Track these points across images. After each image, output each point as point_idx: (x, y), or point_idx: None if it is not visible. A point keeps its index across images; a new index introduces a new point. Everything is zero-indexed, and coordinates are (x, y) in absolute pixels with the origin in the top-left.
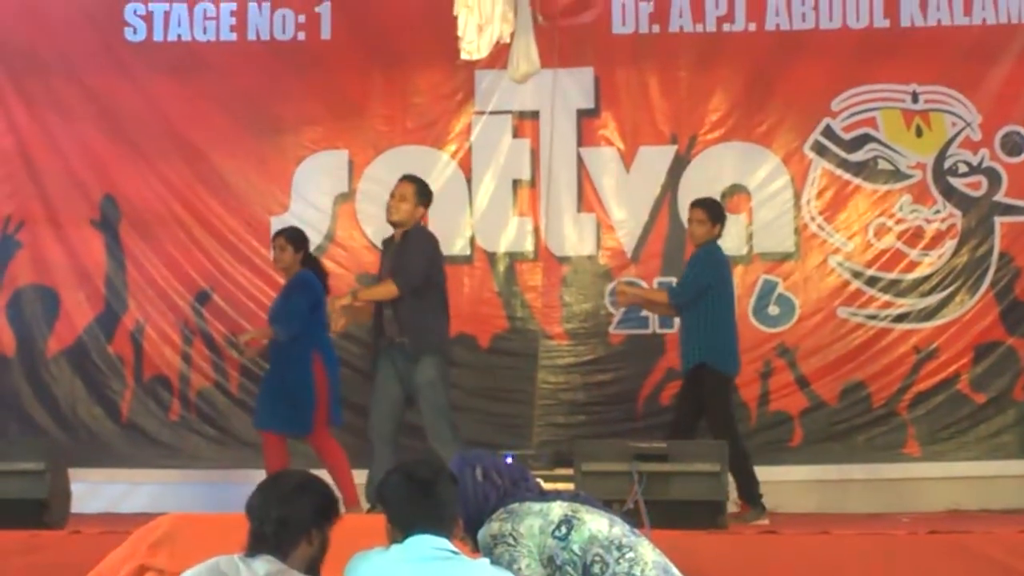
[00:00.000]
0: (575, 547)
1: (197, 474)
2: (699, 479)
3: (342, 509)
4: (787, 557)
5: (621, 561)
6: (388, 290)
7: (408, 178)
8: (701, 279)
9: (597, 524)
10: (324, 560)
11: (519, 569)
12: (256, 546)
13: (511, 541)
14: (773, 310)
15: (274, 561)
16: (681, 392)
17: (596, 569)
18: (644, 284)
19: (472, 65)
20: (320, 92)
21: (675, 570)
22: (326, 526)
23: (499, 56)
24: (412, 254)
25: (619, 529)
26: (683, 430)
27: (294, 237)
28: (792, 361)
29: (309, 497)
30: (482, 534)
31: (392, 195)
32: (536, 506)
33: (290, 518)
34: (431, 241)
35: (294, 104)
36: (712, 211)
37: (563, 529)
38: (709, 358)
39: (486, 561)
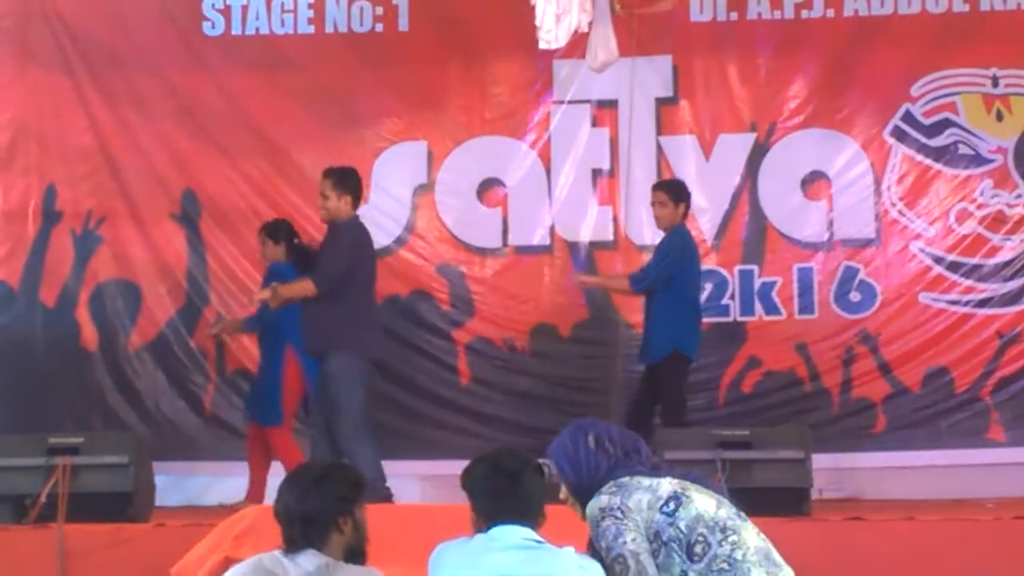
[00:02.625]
0: (681, 524)
1: (280, 466)
2: (782, 466)
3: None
4: (872, 543)
5: (724, 543)
6: (305, 287)
7: (326, 172)
8: (666, 267)
9: (704, 503)
10: (366, 544)
11: (624, 542)
12: (290, 545)
13: (618, 515)
14: (855, 296)
15: (319, 555)
16: (646, 377)
17: (698, 549)
18: (725, 272)
19: (550, 54)
20: (398, 84)
21: (777, 556)
22: (355, 510)
23: (577, 45)
24: (332, 252)
25: (725, 511)
26: (644, 414)
27: (271, 231)
28: (874, 347)
29: (330, 487)
30: (591, 506)
31: (319, 194)
32: (646, 481)
33: (313, 513)
34: (355, 236)
35: (372, 96)
36: (673, 192)
37: (671, 505)
38: (679, 343)
39: (571, 550)
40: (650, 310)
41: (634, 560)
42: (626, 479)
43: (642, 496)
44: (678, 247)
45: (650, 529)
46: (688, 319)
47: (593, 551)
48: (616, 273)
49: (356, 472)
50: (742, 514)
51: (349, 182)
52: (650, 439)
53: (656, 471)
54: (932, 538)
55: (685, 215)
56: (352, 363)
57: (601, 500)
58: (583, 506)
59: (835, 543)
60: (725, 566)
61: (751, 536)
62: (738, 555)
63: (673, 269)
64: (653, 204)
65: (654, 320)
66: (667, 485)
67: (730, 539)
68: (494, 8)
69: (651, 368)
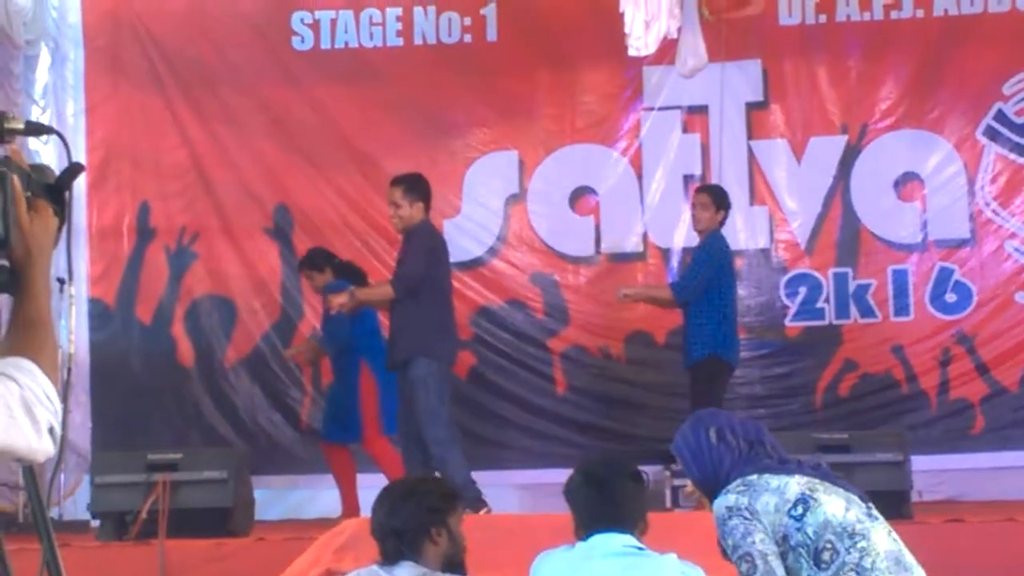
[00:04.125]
0: (809, 530)
1: (377, 478)
2: (882, 469)
3: (460, 499)
4: (973, 545)
5: (852, 551)
6: (384, 292)
7: (394, 181)
8: (705, 273)
9: (833, 507)
10: (464, 554)
11: (753, 541)
12: (386, 558)
13: (747, 515)
14: (950, 297)
15: (416, 566)
16: (694, 386)
17: (826, 556)
18: (819, 276)
19: (639, 61)
20: (488, 94)
21: (908, 558)
22: (449, 521)
23: (667, 51)
24: (408, 257)
25: (855, 512)
26: None
27: (311, 263)
28: (971, 348)
29: (416, 500)
30: (717, 504)
31: (389, 204)
32: (774, 481)
33: (402, 527)
34: (431, 240)
35: (462, 107)
36: (717, 196)
37: (799, 509)
38: (717, 349)
39: (673, 556)
40: (688, 316)
41: (762, 560)
42: (754, 477)
43: (770, 498)
44: (719, 253)
45: (777, 532)
46: (725, 325)
47: (722, 548)
48: (658, 284)
49: (447, 485)
50: (873, 512)
51: (419, 188)
52: None
53: (784, 464)
54: None
55: (723, 222)
56: (431, 369)
57: (728, 499)
58: (710, 500)
59: (936, 545)
60: (853, 574)
61: (881, 539)
62: (867, 563)
63: (712, 274)
64: (694, 206)
65: (692, 326)
66: (795, 486)
67: (859, 545)
68: (583, 16)
69: (691, 373)
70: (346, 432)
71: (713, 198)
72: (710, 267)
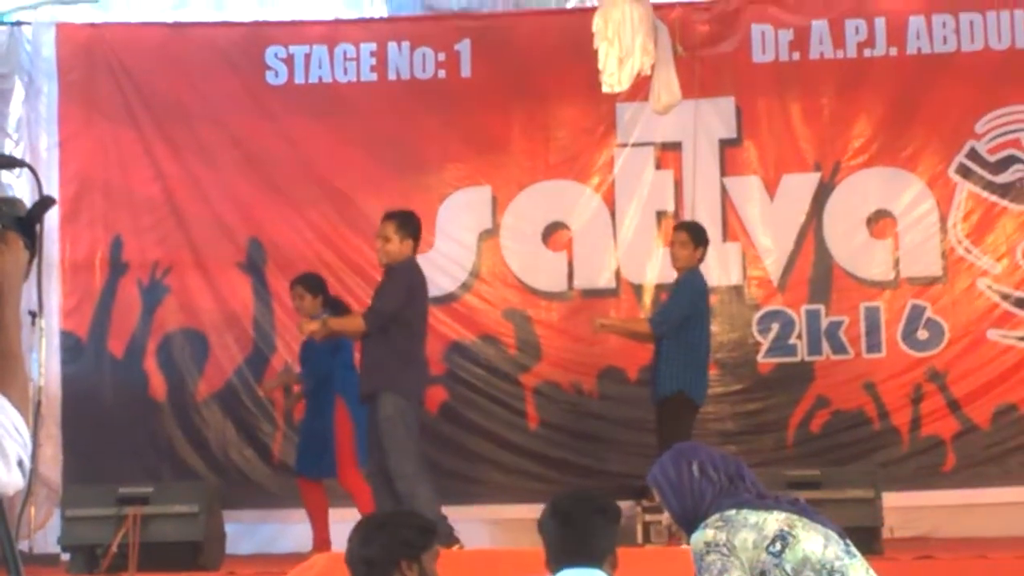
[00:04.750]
0: (787, 567)
1: (349, 512)
2: (853, 506)
3: (437, 537)
4: None
5: None
6: (356, 324)
7: (387, 216)
8: (682, 308)
9: (812, 544)
10: None
11: None
12: None
13: (725, 551)
14: (922, 334)
15: None
16: (660, 422)
17: None
18: (792, 313)
19: (613, 98)
20: (462, 129)
21: None
22: (423, 558)
23: (640, 88)
24: (385, 292)
25: (833, 550)
26: None
27: (310, 285)
28: (943, 385)
29: (390, 532)
30: (695, 539)
31: (377, 236)
32: (752, 517)
33: (375, 558)
34: (412, 278)
35: (436, 142)
36: (695, 234)
37: (777, 545)
38: (686, 386)
39: None
40: (659, 351)
41: None
42: (732, 512)
43: (748, 535)
44: (697, 290)
45: (755, 569)
46: (695, 362)
47: None
48: (635, 317)
49: (427, 521)
50: (851, 548)
51: (411, 225)
52: None
53: (763, 500)
54: (1004, 575)
55: (701, 259)
56: (399, 405)
57: (707, 534)
58: (688, 533)
59: None
60: None
61: (859, 575)
62: None
63: (689, 311)
64: (673, 244)
65: (662, 361)
66: (773, 523)
67: None
68: (557, 52)
69: (658, 408)
70: (320, 466)
71: (692, 236)
72: (689, 304)
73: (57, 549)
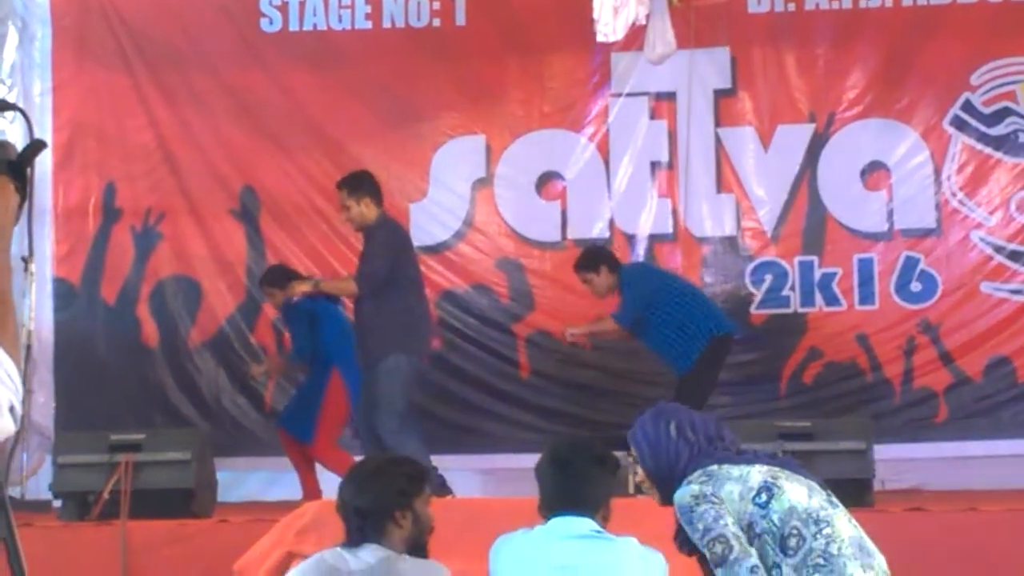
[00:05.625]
0: (775, 517)
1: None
2: (845, 457)
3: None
4: (935, 534)
5: (818, 536)
6: (348, 287)
7: (338, 184)
8: (634, 301)
9: (797, 494)
10: (430, 533)
11: (726, 524)
12: (352, 537)
13: (715, 500)
14: (916, 286)
15: (381, 549)
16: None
17: (792, 542)
18: (785, 264)
19: (608, 47)
20: (456, 78)
21: (870, 544)
22: (414, 503)
23: (635, 38)
24: (368, 255)
25: (817, 499)
26: None
27: (272, 280)
28: (936, 337)
29: (384, 481)
30: (681, 494)
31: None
32: (735, 471)
33: (369, 506)
34: (392, 235)
35: (430, 91)
36: (588, 265)
37: (763, 496)
38: (694, 358)
39: (633, 540)
40: (651, 345)
41: (737, 541)
42: (714, 467)
43: (733, 487)
44: (633, 283)
45: (742, 520)
46: (686, 330)
47: (681, 541)
48: (600, 318)
49: (416, 466)
50: (833, 499)
51: (363, 185)
52: None
53: (742, 456)
54: (994, 528)
55: (615, 271)
56: (400, 363)
57: (693, 488)
58: (661, 493)
59: (898, 534)
60: (820, 560)
61: (844, 525)
62: (833, 549)
63: (640, 303)
64: (586, 282)
65: (660, 346)
66: (757, 475)
67: (824, 532)
68: (552, 1)
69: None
70: (301, 431)
71: (588, 269)
72: (638, 298)
73: (49, 495)
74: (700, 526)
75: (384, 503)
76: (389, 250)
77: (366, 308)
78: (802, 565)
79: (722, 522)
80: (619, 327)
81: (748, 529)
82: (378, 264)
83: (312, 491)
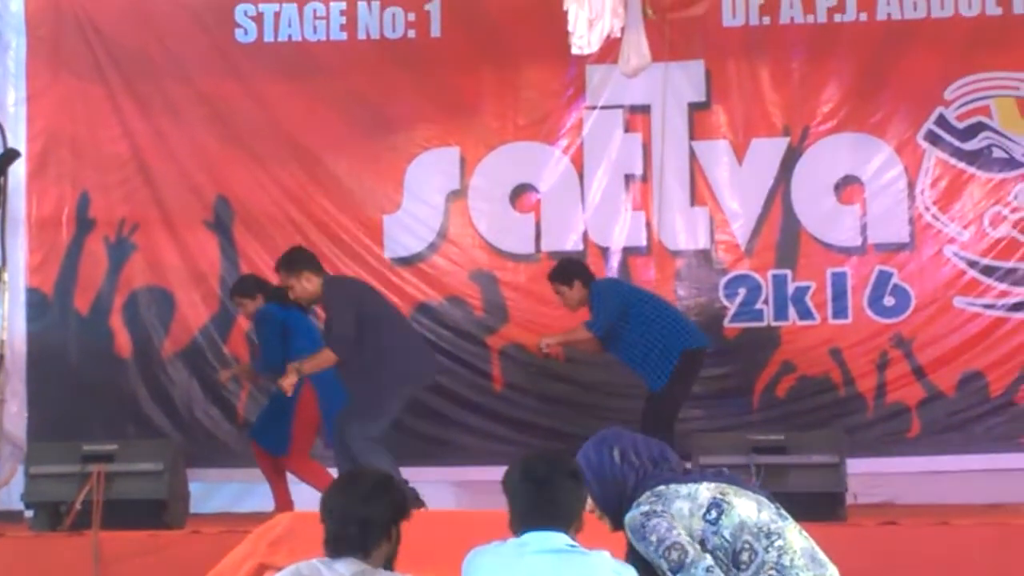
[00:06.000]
0: (725, 532)
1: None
2: (817, 471)
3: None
4: (907, 548)
5: (770, 549)
6: (327, 357)
7: (276, 267)
8: (605, 313)
9: (746, 509)
10: (397, 554)
11: (679, 533)
12: (337, 547)
13: (665, 515)
14: (888, 301)
15: (357, 562)
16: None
17: (745, 556)
18: (759, 277)
19: (583, 60)
20: (431, 90)
21: (821, 555)
22: (402, 523)
23: (610, 50)
24: (332, 318)
25: (767, 513)
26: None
27: (243, 290)
28: (908, 352)
29: (389, 496)
30: (632, 515)
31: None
32: (683, 489)
33: (372, 518)
34: (338, 292)
35: (405, 102)
36: (562, 277)
37: (713, 513)
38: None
39: (606, 554)
40: (625, 352)
41: (691, 547)
42: (662, 488)
43: (682, 504)
44: (603, 296)
45: (694, 537)
46: (658, 345)
47: (631, 562)
48: (574, 327)
49: (405, 487)
50: (782, 511)
51: (296, 260)
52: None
53: (689, 476)
54: (967, 543)
55: (588, 286)
56: (371, 427)
57: (643, 508)
58: (612, 519)
59: (870, 548)
60: (774, 573)
61: (795, 537)
62: (786, 560)
63: (612, 315)
64: (556, 293)
65: (636, 364)
66: (705, 492)
67: (776, 544)
68: (526, 14)
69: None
70: (273, 444)
71: (562, 279)
72: (609, 306)
73: (21, 506)
74: (653, 538)
75: (389, 515)
76: (347, 306)
77: (353, 370)
78: None
79: (675, 532)
80: (592, 336)
81: (700, 546)
82: (344, 325)
83: (284, 502)
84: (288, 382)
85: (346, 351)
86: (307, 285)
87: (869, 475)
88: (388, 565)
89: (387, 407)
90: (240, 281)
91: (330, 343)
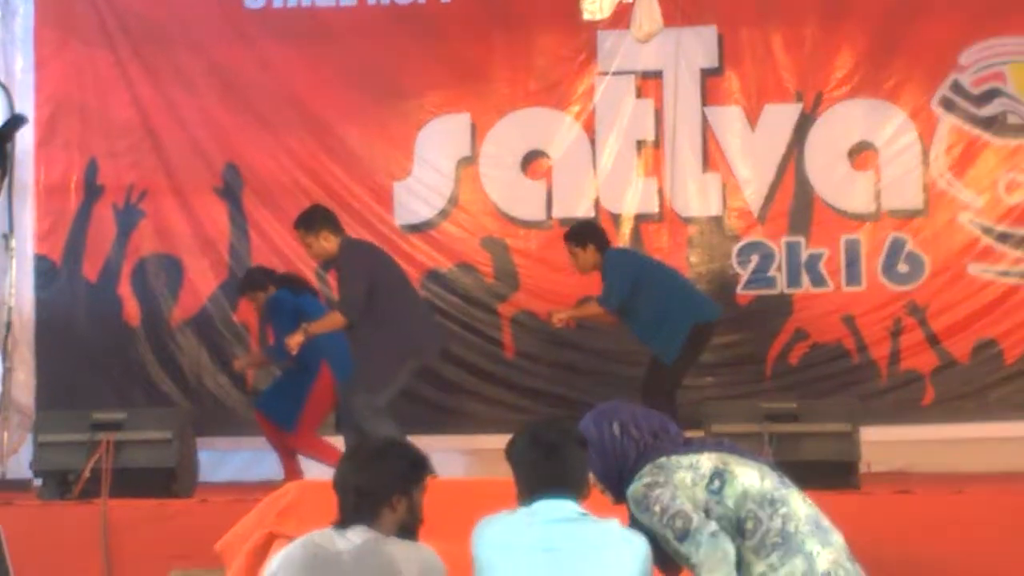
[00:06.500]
0: (729, 502)
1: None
2: (830, 439)
3: (430, 471)
4: (921, 516)
5: (775, 517)
6: (335, 320)
7: (295, 225)
8: (619, 284)
9: (748, 478)
10: (420, 525)
11: (683, 502)
12: (344, 516)
13: (668, 484)
14: (902, 268)
15: (367, 530)
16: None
17: (749, 525)
18: (772, 244)
19: (594, 25)
20: (441, 56)
21: (826, 521)
22: (411, 490)
23: (622, 16)
24: (342, 283)
25: (770, 481)
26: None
27: (252, 283)
28: (922, 319)
29: (388, 463)
30: (634, 488)
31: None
32: (685, 460)
33: (368, 486)
34: (352, 255)
35: (415, 68)
36: (577, 239)
37: (716, 483)
38: (679, 337)
39: (615, 522)
40: (637, 328)
41: (695, 513)
42: (663, 460)
43: (685, 475)
44: (615, 267)
45: (697, 507)
46: (674, 328)
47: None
48: (587, 302)
49: (417, 453)
50: (785, 479)
51: (316, 219)
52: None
53: (689, 446)
54: (981, 511)
55: (602, 252)
56: (373, 399)
57: (644, 480)
58: (614, 492)
59: (884, 516)
60: (778, 540)
61: (799, 504)
62: (791, 527)
63: (624, 287)
64: (570, 253)
65: (647, 337)
66: (707, 461)
67: (780, 511)
68: None
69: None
70: (280, 418)
71: (577, 240)
72: (622, 279)
73: (29, 474)
74: (657, 508)
75: (383, 485)
76: (360, 269)
77: (359, 337)
78: (760, 546)
79: (678, 500)
80: (604, 311)
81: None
82: (354, 290)
83: (293, 472)
84: (295, 340)
85: (355, 315)
86: (325, 244)
87: (883, 443)
88: (405, 534)
89: (392, 378)
90: (246, 276)
91: (340, 306)
